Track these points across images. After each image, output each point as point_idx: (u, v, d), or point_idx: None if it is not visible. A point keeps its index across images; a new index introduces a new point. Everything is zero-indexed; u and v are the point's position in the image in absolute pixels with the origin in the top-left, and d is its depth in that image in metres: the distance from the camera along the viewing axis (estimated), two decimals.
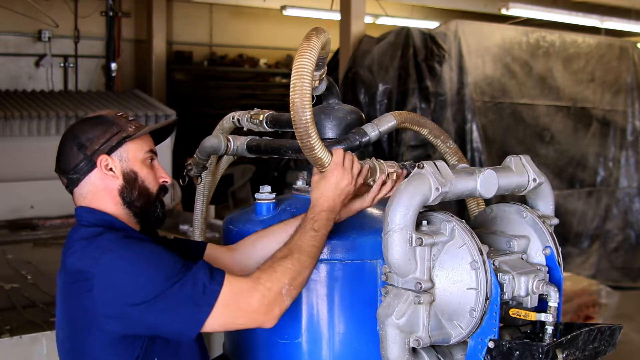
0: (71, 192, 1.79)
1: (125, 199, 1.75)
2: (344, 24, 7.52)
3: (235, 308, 1.59)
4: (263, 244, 1.91)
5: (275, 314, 1.62)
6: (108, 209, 1.75)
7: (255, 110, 2.24)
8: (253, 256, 1.91)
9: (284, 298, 1.62)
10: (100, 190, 1.75)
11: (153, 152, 1.83)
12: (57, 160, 1.78)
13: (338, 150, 1.79)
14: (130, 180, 1.76)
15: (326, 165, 1.76)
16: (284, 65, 12.44)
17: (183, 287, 1.56)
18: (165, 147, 7.13)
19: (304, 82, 1.65)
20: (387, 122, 2.00)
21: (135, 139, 1.76)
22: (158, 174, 1.82)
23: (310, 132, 1.69)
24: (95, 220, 1.72)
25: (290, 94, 1.67)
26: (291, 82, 1.67)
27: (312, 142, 1.71)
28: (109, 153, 1.74)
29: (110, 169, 1.74)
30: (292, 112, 1.68)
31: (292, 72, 1.67)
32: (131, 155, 1.77)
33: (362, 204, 1.86)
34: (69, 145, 1.75)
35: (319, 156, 1.74)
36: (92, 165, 1.73)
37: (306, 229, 1.72)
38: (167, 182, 1.83)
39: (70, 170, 1.74)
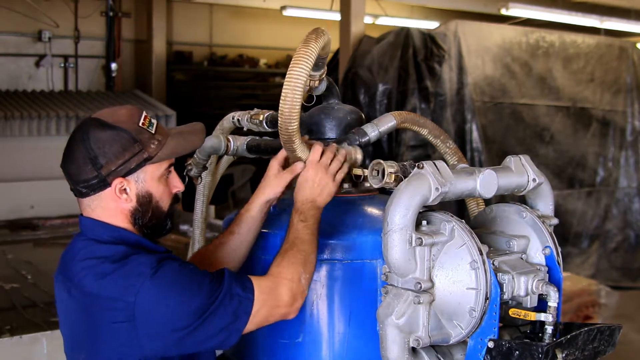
0: (76, 196, 1.69)
1: (137, 221, 1.67)
2: (344, 24, 7.52)
3: (268, 307, 1.65)
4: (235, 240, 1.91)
5: (299, 302, 1.70)
6: (119, 223, 1.66)
7: (255, 110, 2.24)
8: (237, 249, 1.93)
9: (304, 286, 1.70)
10: (111, 210, 1.65)
11: (171, 164, 1.73)
12: (65, 161, 1.64)
13: (315, 148, 1.83)
14: (144, 203, 1.66)
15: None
16: (284, 66, 12.43)
17: (221, 304, 1.57)
18: None
19: (295, 94, 1.68)
20: (387, 122, 2.00)
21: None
22: (172, 183, 1.73)
23: (294, 139, 1.77)
24: (112, 238, 1.63)
25: (281, 102, 1.70)
26: (283, 91, 1.68)
27: (297, 155, 1.81)
28: (125, 175, 1.62)
29: (125, 191, 1.63)
30: (279, 120, 1.73)
31: (285, 80, 1.68)
32: (149, 175, 1.66)
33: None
34: (82, 156, 1.60)
35: (300, 156, 1.82)
36: (105, 186, 1.62)
37: (295, 223, 1.77)
38: (180, 190, 1.76)
39: (80, 182, 1.62)
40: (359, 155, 1.93)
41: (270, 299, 1.65)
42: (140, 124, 1.63)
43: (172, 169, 1.74)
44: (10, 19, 9.09)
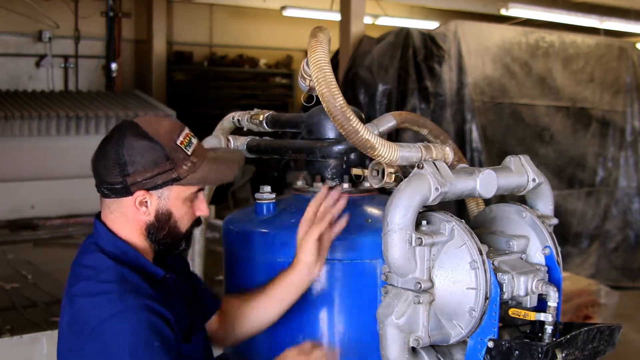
0: (98, 192, 1.66)
1: (151, 235, 1.64)
2: (344, 24, 7.53)
3: None
4: (256, 315, 1.87)
5: None
6: (129, 235, 1.64)
7: (255, 110, 2.24)
8: (244, 329, 1.89)
9: None
10: (128, 218, 1.62)
11: (202, 189, 1.69)
12: (96, 158, 1.62)
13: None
14: (162, 220, 1.63)
15: (376, 147, 1.69)
16: (284, 66, 12.45)
17: None
18: None
19: (325, 73, 1.64)
20: (387, 122, 2.00)
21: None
22: (198, 206, 1.68)
23: (348, 115, 1.64)
24: (113, 249, 1.61)
25: (317, 87, 1.65)
26: (314, 76, 1.64)
27: (354, 125, 1.65)
28: (149, 189, 1.59)
29: (145, 204, 1.60)
30: (324, 104, 1.66)
31: (311, 67, 1.65)
32: (174, 195, 1.62)
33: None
34: (112, 158, 1.58)
35: (366, 137, 1.67)
36: (127, 193, 1.59)
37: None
38: (204, 215, 1.71)
39: (105, 183, 1.60)
40: None
41: None
42: (178, 142, 1.60)
43: (201, 192, 1.69)
44: (10, 19, 9.09)
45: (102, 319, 1.49)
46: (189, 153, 1.60)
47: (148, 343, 1.48)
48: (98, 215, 1.69)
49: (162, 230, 1.64)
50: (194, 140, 1.63)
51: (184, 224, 1.66)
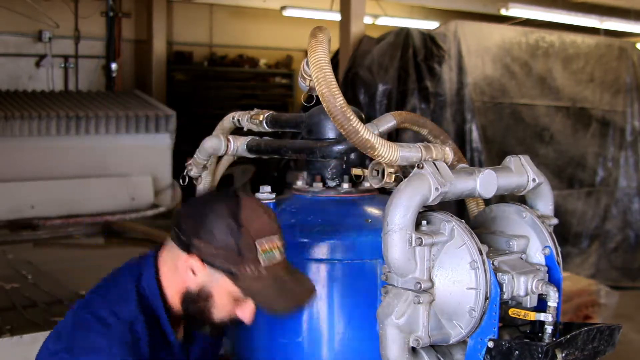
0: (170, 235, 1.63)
1: (184, 302, 1.61)
2: (344, 24, 7.53)
3: None
4: None
5: None
6: (170, 285, 1.62)
7: (255, 110, 2.24)
8: None
9: None
10: (178, 271, 1.60)
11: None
12: (196, 202, 1.62)
13: None
14: (201, 297, 1.58)
15: (376, 147, 1.66)
16: (284, 66, 12.45)
17: None
18: (166, 148, 7.15)
19: (325, 73, 1.64)
20: (387, 122, 2.00)
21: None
22: (243, 307, 1.60)
23: (348, 115, 1.63)
24: (147, 287, 1.59)
25: (317, 87, 1.64)
26: (314, 76, 1.64)
27: (354, 125, 1.64)
28: (205, 261, 1.55)
29: (193, 271, 1.57)
30: (324, 104, 1.65)
31: (311, 67, 1.65)
32: (224, 285, 1.56)
33: None
34: (196, 216, 1.56)
35: (366, 137, 1.66)
36: (185, 250, 1.56)
37: None
38: (245, 320, 1.62)
39: (178, 226, 1.58)
40: None
41: None
42: (258, 244, 1.54)
43: (251, 300, 1.60)
44: (10, 19, 9.10)
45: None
46: (261, 262, 1.54)
47: None
48: (158, 248, 1.67)
49: (195, 304, 1.59)
50: (277, 255, 1.57)
51: (219, 314, 1.61)
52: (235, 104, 10.85)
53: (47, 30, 9.51)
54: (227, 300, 1.58)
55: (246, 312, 1.61)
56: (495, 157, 6.98)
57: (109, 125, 6.79)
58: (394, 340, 1.67)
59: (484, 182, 1.73)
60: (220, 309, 1.60)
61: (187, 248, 1.56)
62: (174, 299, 1.62)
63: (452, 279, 1.67)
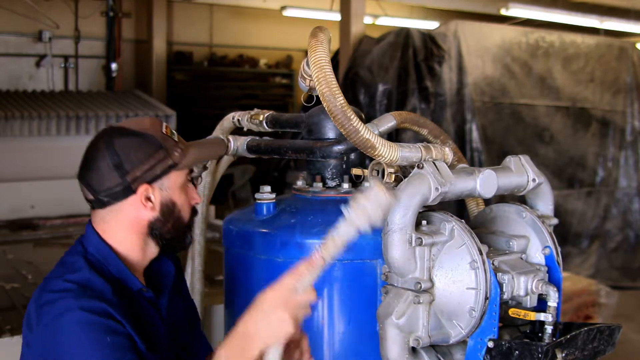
0: (92, 208, 1.63)
1: (155, 231, 1.62)
2: (344, 24, 7.53)
3: None
4: None
5: None
6: (124, 240, 1.61)
7: (255, 110, 2.24)
8: None
9: None
10: (130, 219, 1.60)
11: (191, 173, 1.70)
12: (85, 171, 1.60)
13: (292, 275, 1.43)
14: (167, 212, 1.62)
15: (377, 146, 1.66)
16: (284, 66, 12.46)
17: None
18: None
19: (326, 73, 1.64)
20: (387, 122, 2.00)
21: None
22: (190, 195, 1.68)
23: (349, 115, 1.64)
24: (94, 251, 1.59)
25: (317, 87, 1.65)
26: (314, 76, 1.65)
27: (354, 125, 1.65)
28: (150, 182, 1.58)
29: (149, 199, 1.59)
30: (324, 103, 1.66)
31: (312, 66, 1.65)
32: (172, 183, 1.62)
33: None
34: (106, 163, 1.56)
35: (367, 137, 1.67)
36: (130, 193, 1.57)
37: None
38: (198, 203, 1.71)
39: (102, 191, 1.57)
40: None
41: None
42: (163, 132, 1.62)
43: (189, 181, 1.69)
44: (10, 20, 9.09)
45: (53, 316, 1.48)
46: (176, 140, 1.63)
47: (99, 339, 1.45)
48: (89, 225, 1.67)
49: (167, 223, 1.62)
50: (174, 132, 1.66)
51: (185, 214, 1.66)
52: (235, 104, 10.85)
53: (47, 30, 9.51)
54: (182, 195, 1.64)
55: (194, 196, 1.68)
56: (495, 157, 6.98)
57: None
58: (394, 340, 1.67)
59: (484, 182, 1.73)
60: (184, 208, 1.65)
61: (129, 190, 1.57)
62: (134, 247, 1.63)
63: (452, 279, 1.67)
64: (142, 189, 1.57)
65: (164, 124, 1.64)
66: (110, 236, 1.62)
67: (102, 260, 1.59)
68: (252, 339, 1.40)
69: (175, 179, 1.62)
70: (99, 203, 1.60)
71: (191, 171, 1.69)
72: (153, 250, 1.67)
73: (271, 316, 1.39)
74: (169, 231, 1.64)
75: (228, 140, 2.22)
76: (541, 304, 1.71)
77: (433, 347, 1.75)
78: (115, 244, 1.62)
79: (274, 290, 1.41)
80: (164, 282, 1.75)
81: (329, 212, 1.94)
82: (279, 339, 1.40)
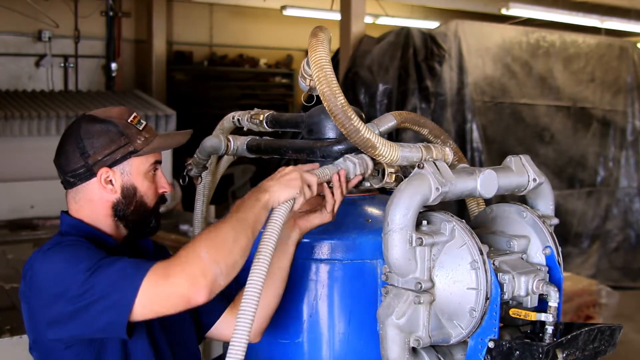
0: (65, 189, 1.77)
1: (118, 212, 1.74)
2: (344, 24, 7.52)
3: (159, 287, 1.48)
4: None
5: (202, 283, 1.46)
6: (94, 218, 1.73)
7: (255, 110, 2.24)
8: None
9: (207, 264, 1.46)
10: (95, 200, 1.72)
11: (158, 162, 1.79)
12: (57, 154, 1.75)
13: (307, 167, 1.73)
14: (129, 196, 1.73)
15: (377, 146, 1.69)
16: (284, 65, 12.46)
17: (108, 268, 1.51)
18: None
19: (326, 72, 1.65)
20: (387, 122, 2.00)
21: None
22: (159, 183, 1.79)
23: (349, 114, 1.65)
24: (68, 228, 1.72)
25: (318, 86, 1.66)
26: (315, 76, 1.65)
27: (355, 124, 1.66)
28: (111, 166, 1.70)
29: (110, 182, 1.71)
30: (325, 103, 1.66)
31: (312, 66, 1.65)
32: (134, 169, 1.73)
33: (322, 218, 1.79)
34: (72, 146, 1.70)
35: (367, 137, 1.68)
36: (91, 175, 1.70)
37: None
38: (167, 192, 1.80)
39: (69, 172, 1.72)
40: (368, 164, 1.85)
41: (161, 279, 1.47)
42: (129, 121, 1.73)
43: (159, 168, 1.80)
44: (10, 19, 9.09)
45: (41, 254, 1.61)
46: (141, 129, 1.74)
47: (79, 248, 1.58)
48: (65, 211, 1.78)
49: (129, 205, 1.74)
50: (143, 121, 1.77)
51: (149, 199, 1.76)
52: (235, 103, 10.85)
53: (47, 30, 9.51)
54: (145, 181, 1.75)
55: (162, 183, 1.79)
56: (495, 156, 6.98)
57: None
58: (394, 341, 1.67)
59: (485, 182, 1.73)
60: (147, 193, 1.76)
61: (90, 172, 1.70)
62: (106, 224, 1.74)
63: (453, 279, 1.67)
64: (102, 172, 1.70)
65: (133, 114, 1.76)
66: (82, 214, 1.74)
67: (75, 232, 1.70)
68: (264, 190, 1.59)
69: (137, 165, 1.73)
70: (67, 184, 1.74)
71: (159, 162, 1.79)
72: (123, 231, 1.78)
73: (282, 178, 1.62)
74: (132, 213, 1.74)
75: (228, 140, 2.22)
76: (542, 304, 1.71)
77: (433, 347, 1.75)
78: (87, 220, 1.73)
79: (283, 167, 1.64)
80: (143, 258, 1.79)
81: None
82: (286, 195, 1.60)
